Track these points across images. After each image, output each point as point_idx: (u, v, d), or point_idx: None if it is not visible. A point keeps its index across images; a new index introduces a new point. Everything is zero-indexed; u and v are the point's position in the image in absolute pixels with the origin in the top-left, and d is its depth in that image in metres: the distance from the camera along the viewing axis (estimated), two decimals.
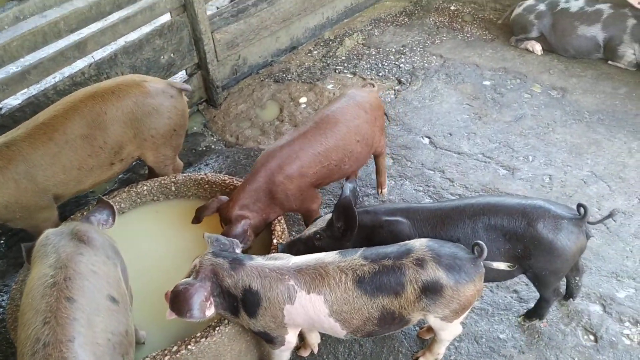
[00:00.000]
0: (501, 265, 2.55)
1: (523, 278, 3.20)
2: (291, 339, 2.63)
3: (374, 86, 3.72)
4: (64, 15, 3.73)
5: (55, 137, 3.16)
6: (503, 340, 3.03)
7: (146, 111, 3.37)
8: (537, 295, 2.94)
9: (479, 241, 2.44)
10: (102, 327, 2.18)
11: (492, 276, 2.72)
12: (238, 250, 2.63)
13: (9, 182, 3.09)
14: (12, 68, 4.57)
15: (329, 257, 2.53)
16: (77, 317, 2.13)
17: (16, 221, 3.28)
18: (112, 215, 2.76)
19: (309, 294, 2.45)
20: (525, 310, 3.12)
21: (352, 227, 2.70)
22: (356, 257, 2.48)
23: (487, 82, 4.92)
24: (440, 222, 2.71)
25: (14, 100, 4.57)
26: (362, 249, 2.54)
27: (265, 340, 2.63)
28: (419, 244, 2.48)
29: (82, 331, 2.10)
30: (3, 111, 4.10)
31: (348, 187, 2.81)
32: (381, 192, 3.90)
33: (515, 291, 3.25)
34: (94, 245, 2.45)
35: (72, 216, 3.38)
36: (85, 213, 3.36)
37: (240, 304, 2.49)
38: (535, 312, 3.03)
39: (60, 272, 2.26)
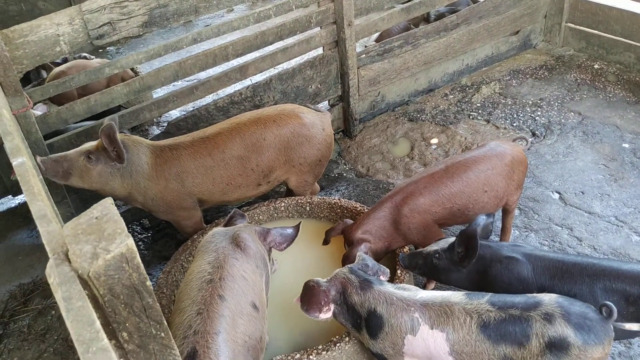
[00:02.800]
0: (634, 327, 2.48)
1: None
2: None
3: (526, 141, 3.73)
4: (234, 41, 4.18)
5: (214, 153, 3.50)
6: None
7: (300, 141, 3.66)
8: None
9: (607, 302, 2.41)
10: (242, 329, 2.40)
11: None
12: (383, 279, 2.78)
13: (160, 180, 3.45)
14: (184, 83, 5.09)
15: (455, 297, 2.60)
16: (225, 315, 2.37)
17: (159, 213, 3.66)
18: (288, 243, 3.04)
19: (432, 329, 2.53)
20: None
21: (471, 256, 2.79)
22: (483, 301, 2.53)
23: (626, 145, 4.80)
24: (560, 274, 2.72)
25: (180, 112, 5.11)
26: (489, 294, 2.59)
27: None
28: (548, 298, 2.49)
29: (226, 328, 2.34)
30: (170, 119, 4.62)
31: (482, 219, 2.90)
32: None
33: None
34: (248, 253, 2.72)
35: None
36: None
37: (363, 322, 2.64)
38: None
39: (217, 271, 2.54)
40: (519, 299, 2.52)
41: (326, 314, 2.66)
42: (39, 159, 3.13)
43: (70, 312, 1.21)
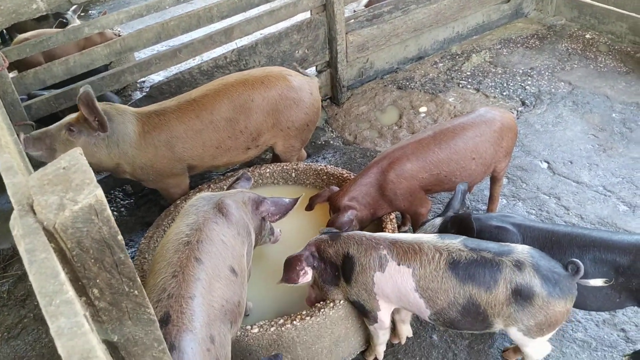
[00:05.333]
0: (598, 282, 2.46)
1: (634, 319, 3.11)
2: (384, 317, 2.73)
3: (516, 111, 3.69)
4: (218, 2, 4.05)
5: (202, 115, 3.41)
6: None
7: (287, 104, 3.58)
8: None
9: (575, 260, 2.41)
10: (219, 293, 2.34)
11: (598, 305, 2.67)
12: None
13: (149, 147, 3.36)
14: (166, 45, 4.96)
15: (427, 236, 2.62)
16: (201, 278, 2.30)
17: (149, 182, 3.58)
18: (282, 215, 3.00)
19: (399, 265, 2.55)
20: (631, 351, 3.02)
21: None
22: (456, 242, 2.54)
23: (616, 115, 4.75)
24: (549, 244, 2.70)
25: (163, 76, 4.98)
26: (464, 237, 2.59)
27: (362, 313, 2.78)
28: (521, 248, 2.50)
29: (202, 292, 2.26)
30: (152, 83, 4.50)
31: (460, 189, 2.98)
32: None
33: (623, 330, 3.15)
34: (230, 219, 2.64)
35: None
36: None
37: (340, 271, 2.68)
38: None
39: (195, 234, 2.46)
40: (492, 244, 2.53)
41: (304, 278, 2.72)
42: (22, 136, 3.05)
43: (34, 264, 1.14)
